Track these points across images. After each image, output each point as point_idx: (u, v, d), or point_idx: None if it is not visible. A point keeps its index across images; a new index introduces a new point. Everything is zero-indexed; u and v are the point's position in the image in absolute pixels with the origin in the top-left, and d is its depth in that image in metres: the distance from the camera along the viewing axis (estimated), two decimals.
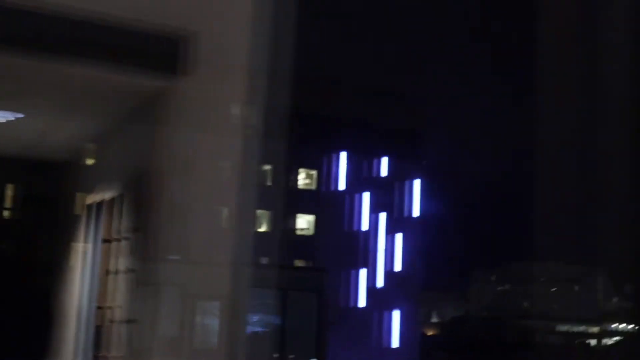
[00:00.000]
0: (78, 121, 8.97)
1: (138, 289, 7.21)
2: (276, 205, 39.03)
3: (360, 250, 38.63)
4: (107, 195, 8.59)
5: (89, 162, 10.00)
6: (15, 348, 9.05)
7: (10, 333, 9.11)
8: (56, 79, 7.29)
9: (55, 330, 9.28)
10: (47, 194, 11.60)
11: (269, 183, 39.23)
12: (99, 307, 8.43)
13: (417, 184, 39.14)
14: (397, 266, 38.53)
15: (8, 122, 8.97)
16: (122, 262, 7.70)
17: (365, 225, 38.55)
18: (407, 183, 39.27)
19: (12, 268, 11.06)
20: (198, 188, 7.13)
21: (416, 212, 39.76)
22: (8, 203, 11.99)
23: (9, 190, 12.01)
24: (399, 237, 38.84)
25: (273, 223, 38.58)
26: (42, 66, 6.88)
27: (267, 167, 40.78)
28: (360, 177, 39.32)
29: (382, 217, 38.79)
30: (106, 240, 8.33)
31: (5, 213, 12.04)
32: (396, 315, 40.09)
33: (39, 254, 11.30)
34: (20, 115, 8.75)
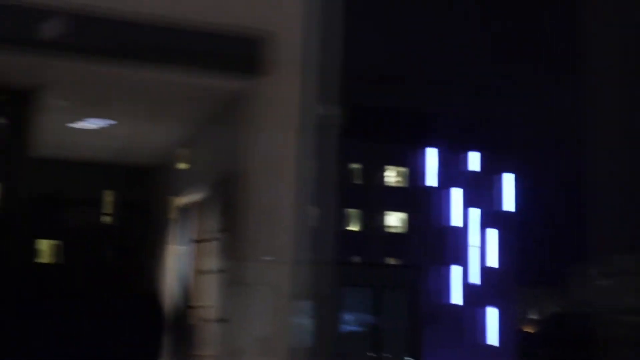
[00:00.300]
0: (166, 126, 9.16)
1: (229, 288, 7.30)
2: (366, 203, 38.94)
3: (453, 246, 38.08)
4: (196, 197, 8.74)
5: (179, 165, 10.20)
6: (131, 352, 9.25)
7: (124, 337, 9.30)
8: (144, 85, 7.47)
9: (166, 332, 9.44)
10: (140, 198, 11.87)
11: (358, 181, 39.17)
12: (192, 307, 8.57)
13: (509, 177, 38.33)
14: (492, 262, 37.81)
15: (101, 128, 9.25)
16: (212, 262, 7.81)
17: (457, 221, 37.97)
18: (499, 177, 38.49)
19: (113, 272, 11.35)
20: (285, 187, 7.17)
21: (509, 206, 38.91)
22: (105, 209, 12.32)
23: (106, 196, 12.34)
24: (492, 233, 38.09)
25: (364, 221, 38.49)
26: (130, 73, 7.06)
27: (357, 165, 40.69)
28: (451, 173, 38.78)
29: (475, 212, 38.12)
30: (197, 241, 8.48)
31: (104, 218, 12.38)
32: (492, 312, 39.37)
33: (137, 257, 11.58)
34: (112, 122, 9.01)
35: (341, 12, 6.45)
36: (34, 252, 11.44)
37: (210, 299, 7.94)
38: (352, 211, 36.64)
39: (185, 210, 9.27)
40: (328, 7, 6.38)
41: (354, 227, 37.52)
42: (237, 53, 6.72)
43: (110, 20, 6.42)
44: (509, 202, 38.68)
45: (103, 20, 6.40)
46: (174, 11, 6.52)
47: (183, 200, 9.44)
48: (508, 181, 38.55)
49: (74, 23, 6.34)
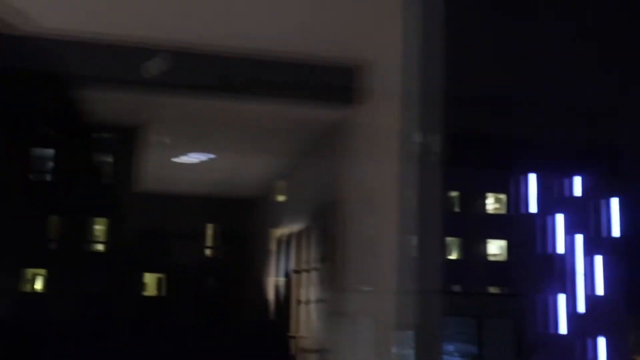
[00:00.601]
0: (266, 158, 9.28)
1: (329, 318, 7.27)
2: (466, 231, 38.29)
3: (557, 274, 36.95)
4: (296, 228, 8.80)
5: (278, 197, 10.30)
6: None
7: None
8: (243, 118, 7.59)
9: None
10: (241, 230, 12.02)
11: (457, 209, 38.61)
12: (292, 337, 8.59)
13: (614, 202, 37.03)
14: (599, 290, 36.48)
15: (201, 162, 9.45)
16: (312, 292, 7.81)
17: (560, 248, 36.86)
18: (603, 202, 37.24)
19: (220, 304, 11.50)
20: (385, 216, 7.10)
21: (616, 232, 37.53)
22: (209, 241, 12.54)
23: (209, 229, 12.57)
24: (598, 259, 36.80)
25: (464, 250, 37.87)
26: (230, 107, 7.19)
27: (455, 193, 40.15)
28: (552, 198, 37.76)
29: (579, 238, 36.94)
30: (296, 271, 8.52)
31: (207, 251, 12.60)
32: (601, 342, 37.92)
33: (239, 289, 11.70)
34: (212, 156, 9.20)
35: (442, 37, 6.39)
36: (139, 285, 11.72)
37: (310, 330, 7.94)
38: (452, 239, 36.14)
39: (285, 241, 9.34)
40: (428, 32, 6.33)
41: (454, 256, 36.97)
42: (334, 83, 6.76)
43: (211, 56, 6.57)
44: (614, 228, 37.35)
45: (203, 56, 6.56)
46: (272, 43, 6.62)
47: (283, 231, 9.51)
48: (613, 206, 37.28)
49: (177, 60, 6.52)
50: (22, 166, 10.42)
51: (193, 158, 9.29)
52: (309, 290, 7.98)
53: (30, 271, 10.90)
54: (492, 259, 38.39)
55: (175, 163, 9.50)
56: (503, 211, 38.49)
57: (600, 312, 36.93)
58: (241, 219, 11.79)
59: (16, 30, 5.91)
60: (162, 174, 9.93)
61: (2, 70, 6.25)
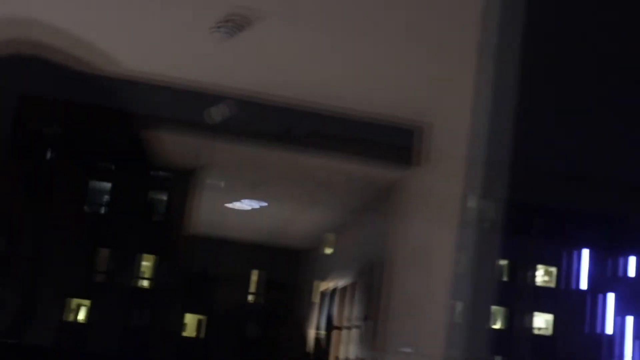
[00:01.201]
0: (318, 210, 9.30)
1: None
2: (513, 301, 37.54)
3: (604, 355, 35.84)
4: (341, 282, 8.76)
5: (326, 250, 10.28)
6: None
7: None
8: (297, 170, 7.64)
9: None
10: (287, 280, 12.00)
11: (505, 278, 37.87)
12: None
13: None
14: None
15: (253, 210, 9.51)
16: (351, 350, 7.73)
17: (609, 329, 35.74)
18: None
19: (257, 351, 11.44)
20: (431, 279, 7.02)
21: None
22: (252, 288, 12.52)
23: (254, 276, 12.56)
24: None
25: (509, 320, 37.05)
26: (287, 157, 7.26)
27: (505, 262, 39.44)
28: (605, 276, 36.72)
29: (630, 320, 35.82)
30: (337, 328, 8.45)
31: (250, 297, 12.57)
32: None
33: (279, 338, 11.62)
34: (264, 204, 9.25)
35: (512, 105, 6.37)
36: (180, 324, 11.73)
37: None
38: (498, 309, 35.39)
39: (329, 295, 9.30)
40: (499, 98, 6.31)
41: (498, 325, 36.18)
42: (394, 143, 6.77)
43: (273, 106, 6.66)
44: None
45: (266, 106, 6.65)
46: (336, 99, 6.67)
47: (328, 284, 9.48)
48: None
49: (239, 107, 6.62)
50: (78, 197, 10.61)
51: (246, 205, 9.36)
52: (348, 348, 7.90)
53: (75, 301, 11.01)
54: (537, 332, 37.45)
55: (228, 208, 9.58)
56: (552, 284, 37.60)
57: None
58: (287, 268, 11.77)
59: (98, 70, 6.09)
60: (214, 217, 10.01)
61: (67, 103, 6.42)
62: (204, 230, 10.59)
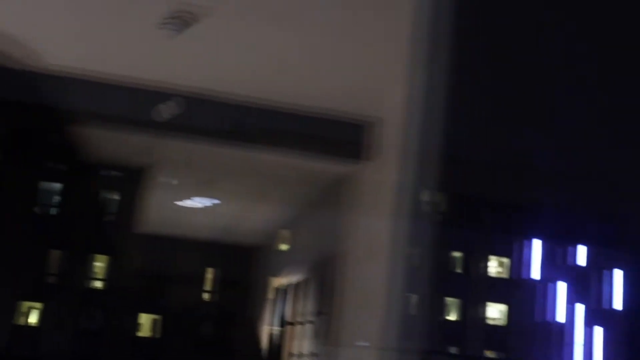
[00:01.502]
0: (270, 207, 9.30)
1: None
2: (467, 293, 37.95)
3: (555, 342, 36.44)
4: (294, 278, 8.78)
5: (280, 246, 10.30)
6: None
7: None
8: (248, 167, 7.64)
9: None
10: (240, 277, 11.98)
11: (459, 270, 38.23)
12: None
13: (618, 274, 36.69)
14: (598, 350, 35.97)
15: (206, 207, 9.47)
16: (305, 346, 7.75)
17: (561, 317, 36.36)
18: (606, 273, 36.88)
19: (213, 349, 11.41)
20: (385, 273, 7.06)
21: (618, 304, 37.12)
22: (207, 286, 12.47)
23: (208, 274, 12.51)
24: (598, 331, 36.34)
25: (463, 311, 37.43)
26: (237, 154, 7.24)
27: (458, 254, 39.80)
28: (556, 266, 37.35)
29: (580, 308, 36.50)
30: (290, 323, 8.47)
31: (205, 295, 12.52)
32: None
33: (234, 335, 11.60)
34: (216, 201, 9.22)
35: (445, 98, 6.45)
36: (134, 325, 11.64)
37: None
38: (452, 300, 35.71)
39: (282, 291, 9.31)
40: (433, 92, 6.38)
41: (452, 317, 36.53)
42: (342, 138, 6.81)
43: (221, 103, 6.65)
44: (616, 300, 36.96)
45: (214, 103, 6.63)
46: (282, 95, 6.69)
47: (281, 280, 9.49)
48: (616, 278, 36.93)
49: (188, 105, 6.59)
50: (28, 199, 10.46)
51: (197, 202, 9.32)
52: (302, 343, 7.93)
53: (26, 304, 10.86)
54: (491, 322, 37.92)
55: (180, 206, 9.53)
56: (505, 275, 38.10)
57: None
58: (242, 265, 11.75)
59: (30, 66, 6.01)
60: (167, 216, 9.96)
61: (15, 103, 6.33)
62: (156, 229, 10.52)
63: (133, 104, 6.42)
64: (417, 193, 7.12)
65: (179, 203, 9.42)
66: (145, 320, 11.76)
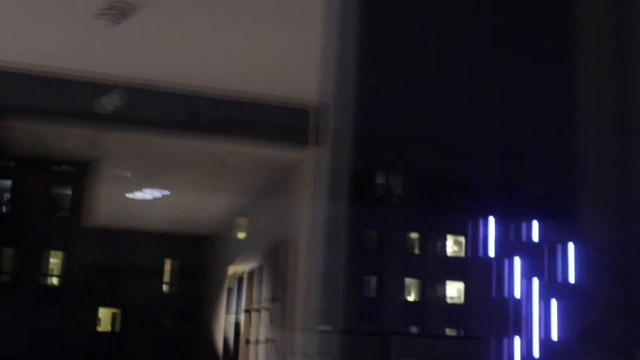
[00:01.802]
0: (223, 196, 9.29)
1: (279, 358, 7.25)
2: (425, 273, 38.26)
3: (513, 318, 37.00)
4: (249, 266, 8.80)
5: (234, 235, 10.30)
6: None
7: None
8: (198, 157, 7.62)
9: None
10: (198, 267, 11.96)
11: (416, 251, 38.53)
12: None
13: (571, 248, 37.31)
14: (554, 334, 36.65)
15: (159, 198, 9.43)
16: (262, 332, 7.79)
17: (517, 292, 36.95)
18: (560, 247, 37.48)
19: (173, 341, 11.38)
20: (341, 256, 7.11)
21: (572, 277, 37.78)
22: (166, 277, 12.43)
23: (165, 265, 12.47)
24: (554, 304, 36.96)
25: (422, 291, 37.77)
26: (187, 144, 7.22)
27: (415, 234, 40.08)
28: (511, 243, 37.88)
29: (535, 282, 37.11)
30: (247, 311, 8.50)
31: (164, 287, 12.47)
32: None
33: (193, 326, 11.59)
34: (169, 192, 9.19)
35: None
36: (93, 320, 11.56)
37: None
38: (411, 281, 36.00)
39: (239, 278, 9.33)
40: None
41: (413, 297, 36.83)
42: (290, 124, 6.82)
43: (168, 93, 6.61)
44: (570, 273, 37.61)
45: (161, 94, 6.60)
46: (229, 83, 6.67)
47: (238, 268, 9.50)
48: (570, 251, 37.55)
49: (135, 96, 6.55)
50: None
51: (148, 194, 9.28)
52: (259, 330, 7.96)
53: None
54: (450, 301, 38.34)
55: (132, 199, 9.48)
56: (462, 254, 38.50)
57: (554, 356, 37.00)
58: (198, 255, 11.73)
59: None
60: (119, 209, 9.89)
61: None
62: (110, 223, 10.45)
63: (74, 97, 6.36)
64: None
65: (131, 195, 9.36)
66: (104, 315, 11.70)
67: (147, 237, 11.53)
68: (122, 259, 11.63)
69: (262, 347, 7.81)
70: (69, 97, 6.34)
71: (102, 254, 11.23)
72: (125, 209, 10.06)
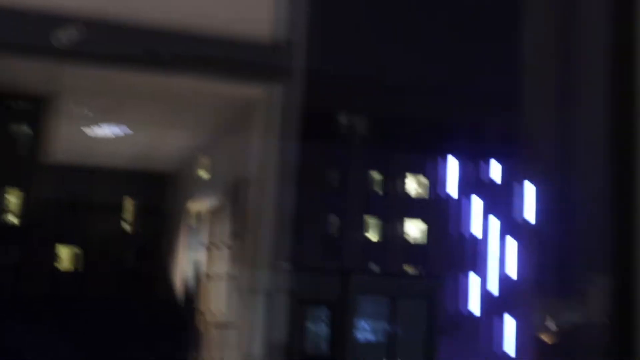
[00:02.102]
0: (184, 133, 9.23)
1: (240, 294, 7.31)
2: (386, 212, 38.67)
3: (472, 256, 37.77)
4: (210, 203, 8.80)
5: (197, 172, 10.27)
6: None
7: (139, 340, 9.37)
8: (158, 93, 7.53)
9: (179, 336, 9.45)
10: (158, 205, 11.94)
11: (378, 190, 38.89)
12: (201, 312, 8.63)
13: (529, 187, 38.00)
14: (511, 272, 37.49)
15: (119, 135, 9.34)
16: (222, 268, 7.84)
17: (476, 231, 37.65)
18: (518, 186, 38.16)
19: (131, 277, 11.43)
20: (302, 195, 7.14)
21: (529, 216, 38.56)
22: (124, 215, 12.39)
23: (125, 202, 12.42)
24: (512, 243, 37.76)
25: (383, 230, 38.24)
26: (147, 81, 7.12)
27: (377, 174, 40.38)
28: (471, 182, 38.48)
29: (494, 222, 37.83)
30: (208, 248, 8.54)
31: (125, 226, 12.45)
32: (510, 322, 39.05)
33: (154, 262, 11.63)
34: (130, 129, 9.10)
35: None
36: (53, 258, 11.54)
37: (219, 305, 7.97)
38: (372, 220, 36.41)
39: (200, 216, 9.34)
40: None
41: (375, 237, 37.25)
42: (247, 60, 6.75)
43: (128, 28, 6.49)
44: (529, 212, 38.34)
45: (121, 28, 6.47)
46: (187, 19, 6.57)
47: (199, 206, 9.50)
48: (529, 190, 38.22)
49: (93, 30, 6.42)
50: None
51: (108, 131, 9.18)
52: (219, 266, 8.01)
53: None
54: (411, 241, 38.93)
55: (91, 136, 9.37)
56: (423, 193, 39.05)
57: (511, 293, 37.93)
58: (159, 193, 11.69)
59: None
60: (78, 146, 9.79)
61: None
62: (71, 160, 10.35)
63: (30, 30, 6.21)
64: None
65: (90, 132, 9.26)
66: (65, 253, 11.68)
67: (107, 175, 11.46)
68: (81, 197, 11.56)
69: (224, 283, 7.87)
70: (25, 30, 6.20)
71: (61, 192, 11.15)
72: (85, 146, 9.95)
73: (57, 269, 11.73)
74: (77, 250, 11.91)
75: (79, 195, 11.54)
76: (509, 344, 39.95)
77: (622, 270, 5.38)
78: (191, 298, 9.24)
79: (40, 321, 8.39)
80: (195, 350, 8.66)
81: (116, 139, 9.50)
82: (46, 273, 11.34)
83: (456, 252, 40.56)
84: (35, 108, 9.71)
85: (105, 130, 9.21)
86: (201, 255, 9.06)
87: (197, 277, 9.12)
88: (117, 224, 12.33)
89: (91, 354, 9.11)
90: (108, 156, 10.65)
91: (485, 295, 40.87)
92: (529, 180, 41.07)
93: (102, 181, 11.60)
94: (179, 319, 9.50)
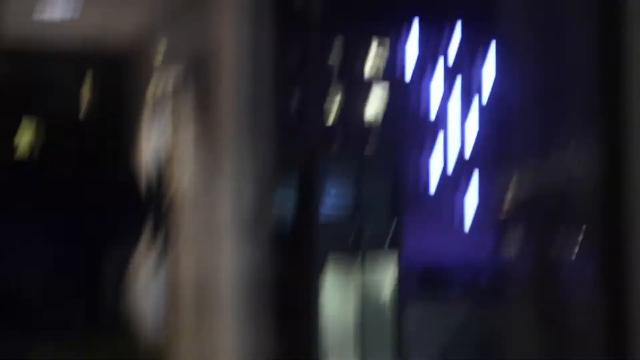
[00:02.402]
0: (137, 11, 8.93)
1: (202, 173, 7.29)
2: (343, 94, 38.73)
3: (430, 135, 38.23)
4: (170, 84, 8.65)
5: (153, 53, 10.02)
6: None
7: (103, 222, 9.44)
8: None
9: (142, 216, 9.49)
10: (115, 88, 11.72)
11: (335, 71, 38.80)
12: (164, 192, 8.68)
13: (491, 51, 38.03)
14: (470, 138, 38.11)
15: (66, 18, 9.02)
16: (185, 149, 7.79)
17: (438, 97, 37.92)
18: (481, 50, 38.16)
19: (90, 164, 11.35)
20: (258, 72, 6.93)
21: (489, 79, 38.75)
22: (82, 101, 12.16)
23: (81, 88, 12.15)
24: (472, 122, 38.23)
25: (340, 114, 38.43)
26: None
27: (333, 55, 40.21)
28: (432, 48, 38.34)
29: (457, 85, 38.03)
30: (170, 130, 8.46)
31: (80, 111, 12.23)
32: (470, 198, 40.03)
33: (112, 147, 11.52)
34: (78, 8, 8.77)
35: None
36: (10, 148, 11.41)
37: (182, 183, 7.96)
38: (331, 100, 36.54)
39: (160, 98, 9.19)
40: None
41: (330, 121, 37.53)
42: None
43: None
44: (490, 76, 38.57)
45: None
46: None
47: (158, 88, 9.33)
48: (491, 55, 38.30)
49: None
50: None
51: (57, 13, 8.84)
52: (183, 151, 7.95)
53: None
54: (366, 124, 39.34)
55: (40, 19, 9.05)
56: (379, 74, 39.05)
57: (470, 166, 38.71)
58: (116, 77, 11.46)
59: None
60: (27, 31, 9.47)
61: None
62: (19, 47, 10.05)
63: None
64: None
65: (37, 14, 8.92)
66: (22, 143, 11.54)
67: (60, 60, 11.19)
68: (34, 84, 11.32)
69: (187, 165, 7.83)
70: None
71: (11, 81, 10.92)
72: (34, 30, 9.63)
73: (14, 160, 11.60)
74: (33, 139, 11.73)
75: (30, 84, 11.29)
76: (469, 220, 41.13)
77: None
78: (155, 180, 9.23)
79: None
80: (159, 230, 8.74)
81: (67, 22, 9.18)
82: (4, 163, 11.23)
83: (413, 136, 40.94)
84: None
85: (53, 12, 8.86)
86: (164, 138, 8.98)
87: (160, 160, 9.08)
88: (73, 111, 12.13)
89: (51, 234, 9.17)
90: (60, 40, 10.36)
91: (444, 177, 41.67)
92: (494, 42, 41.03)
93: (56, 66, 11.34)
94: (134, 199, 9.55)
